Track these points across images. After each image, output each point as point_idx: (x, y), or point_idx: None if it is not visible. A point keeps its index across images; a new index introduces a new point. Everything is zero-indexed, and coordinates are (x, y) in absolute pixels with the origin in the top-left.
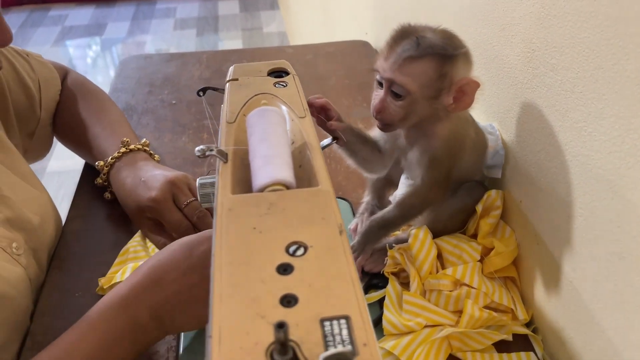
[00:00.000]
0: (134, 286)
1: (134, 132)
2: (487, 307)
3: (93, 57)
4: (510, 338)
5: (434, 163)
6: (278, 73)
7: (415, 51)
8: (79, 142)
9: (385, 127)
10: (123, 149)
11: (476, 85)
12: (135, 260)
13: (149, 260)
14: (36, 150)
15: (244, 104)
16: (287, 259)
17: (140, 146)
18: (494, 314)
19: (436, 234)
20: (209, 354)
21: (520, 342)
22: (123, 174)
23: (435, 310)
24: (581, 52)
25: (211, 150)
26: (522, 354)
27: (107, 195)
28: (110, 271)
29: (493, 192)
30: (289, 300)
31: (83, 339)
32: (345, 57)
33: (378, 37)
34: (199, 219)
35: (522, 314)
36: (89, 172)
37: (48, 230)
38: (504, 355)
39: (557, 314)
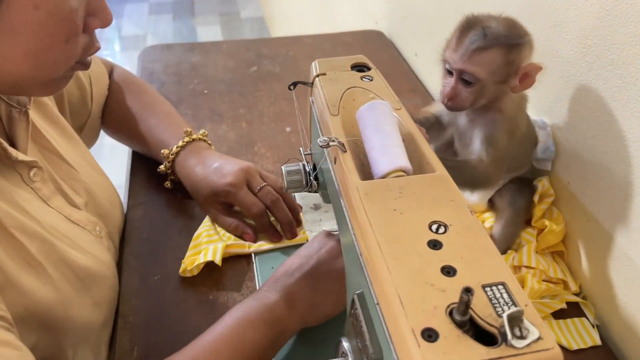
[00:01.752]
0: (270, 280)
1: (185, 122)
2: (543, 280)
3: None
4: (565, 306)
5: (494, 137)
6: (360, 67)
7: (483, 42)
8: (132, 134)
9: (454, 109)
10: (187, 139)
11: (539, 68)
12: (210, 244)
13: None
14: (84, 143)
15: (341, 97)
16: (433, 236)
17: (201, 136)
18: (551, 285)
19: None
20: (382, 319)
21: (573, 310)
22: (191, 162)
23: None
24: None
25: (333, 141)
26: (576, 319)
27: (168, 183)
28: (188, 254)
29: (545, 182)
30: (448, 271)
31: (221, 331)
32: (363, 47)
33: (391, 26)
34: (272, 202)
35: (573, 285)
36: (139, 162)
37: (116, 214)
38: (561, 321)
39: (609, 283)
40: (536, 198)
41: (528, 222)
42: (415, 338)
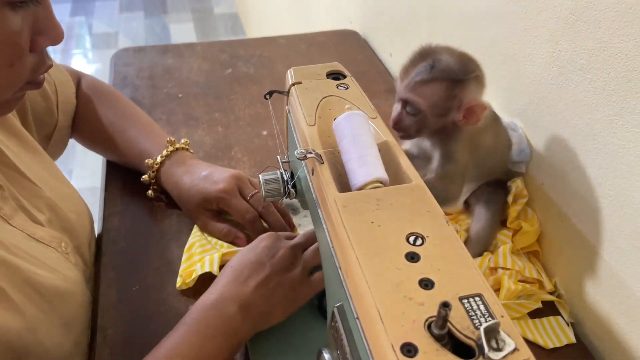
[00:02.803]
0: (222, 287)
1: (162, 131)
2: (519, 280)
3: None
4: (540, 306)
5: (451, 154)
6: (335, 75)
7: (427, 75)
8: (110, 145)
9: (403, 136)
10: (171, 148)
11: (483, 107)
12: (205, 254)
13: (233, 259)
14: (51, 153)
15: (317, 107)
16: (410, 248)
17: (184, 145)
18: (527, 285)
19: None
20: (362, 333)
21: (548, 309)
22: (177, 171)
23: None
24: (613, 55)
25: (310, 152)
26: (552, 318)
27: (150, 193)
28: (183, 267)
29: (519, 182)
30: (426, 284)
31: (181, 341)
32: (338, 47)
33: (366, 26)
34: (264, 208)
35: (548, 284)
36: (113, 171)
37: (84, 225)
38: (537, 320)
39: (582, 281)
40: (510, 199)
41: (503, 223)
42: (395, 354)
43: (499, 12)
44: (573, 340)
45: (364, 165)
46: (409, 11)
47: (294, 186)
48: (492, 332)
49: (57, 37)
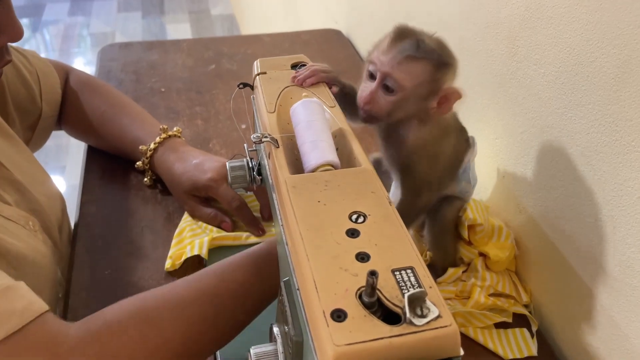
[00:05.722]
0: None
1: (155, 120)
2: (492, 294)
3: (35, 40)
4: (510, 320)
5: (407, 171)
6: (300, 66)
7: (416, 52)
8: (102, 133)
9: (369, 118)
10: (164, 135)
11: (459, 95)
12: (195, 238)
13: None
14: (35, 143)
15: (278, 96)
16: (352, 225)
17: (176, 132)
18: (498, 302)
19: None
20: (301, 303)
21: (522, 321)
22: (170, 157)
23: (445, 289)
24: (563, 50)
25: (265, 137)
26: (517, 330)
27: (147, 180)
28: (173, 250)
29: (470, 214)
30: (362, 257)
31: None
32: (321, 45)
33: (350, 26)
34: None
35: (524, 297)
36: (94, 160)
37: (55, 207)
38: (501, 331)
39: (554, 292)
40: (465, 234)
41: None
42: (325, 319)
43: (466, 11)
44: (534, 353)
45: (316, 149)
46: (389, 11)
47: (259, 173)
48: (417, 301)
49: (15, 35)
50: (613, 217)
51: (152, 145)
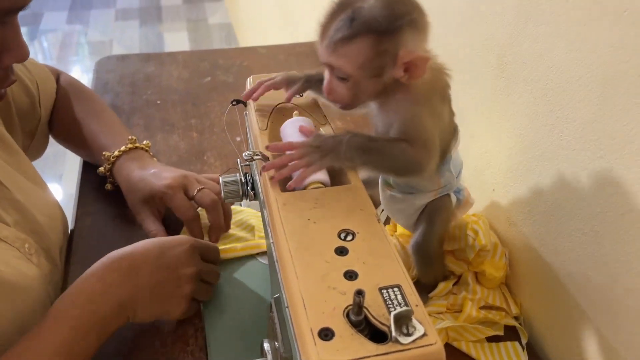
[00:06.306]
0: (104, 279)
1: (127, 131)
2: (482, 307)
3: (33, 48)
4: (501, 333)
5: (407, 126)
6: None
7: (347, 30)
8: (77, 139)
9: (344, 107)
10: (130, 145)
11: (425, 59)
12: None
13: (118, 252)
14: (35, 149)
15: (270, 113)
16: (340, 243)
17: (144, 146)
18: (489, 315)
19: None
20: (290, 321)
21: (512, 333)
22: (131, 165)
23: (437, 303)
24: (550, 68)
25: (257, 155)
26: (509, 343)
27: (108, 185)
28: None
29: (482, 239)
30: (350, 275)
31: (52, 334)
32: (316, 57)
33: None
34: (208, 204)
35: (514, 309)
36: (89, 173)
37: (56, 228)
38: (493, 344)
39: (543, 305)
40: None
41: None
42: (313, 337)
43: (454, 28)
44: None
45: None
46: None
47: (252, 188)
48: (403, 319)
49: (21, 55)
50: (598, 232)
51: (115, 153)
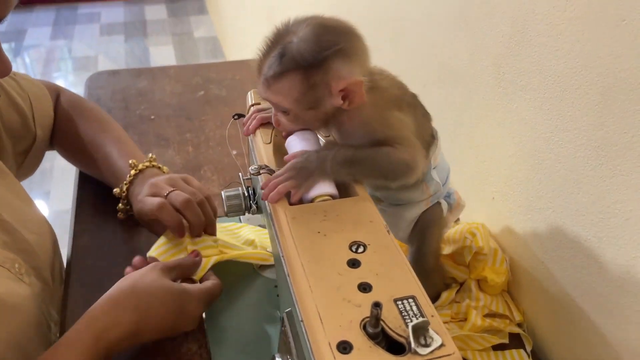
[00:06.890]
0: (111, 313)
1: (136, 147)
2: (486, 315)
3: (15, 64)
4: (507, 341)
5: (378, 130)
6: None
7: (278, 67)
8: (88, 162)
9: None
10: (133, 172)
11: (358, 84)
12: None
13: (127, 285)
14: (27, 168)
15: (274, 127)
16: (352, 255)
17: (148, 163)
18: (494, 323)
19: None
20: (305, 335)
21: (517, 341)
22: (136, 190)
23: (441, 313)
24: (548, 77)
25: (263, 169)
26: (514, 351)
27: (120, 214)
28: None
29: (480, 241)
30: (364, 287)
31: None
32: None
33: None
34: (181, 203)
35: (517, 316)
36: (85, 189)
37: (45, 246)
38: (499, 352)
39: (547, 313)
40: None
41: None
42: (332, 351)
43: (451, 38)
44: None
45: None
46: (374, 34)
47: (255, 202)
48: (420, 330)
49: (2, 70)
50: (601, 238)
51: (124, 187)
